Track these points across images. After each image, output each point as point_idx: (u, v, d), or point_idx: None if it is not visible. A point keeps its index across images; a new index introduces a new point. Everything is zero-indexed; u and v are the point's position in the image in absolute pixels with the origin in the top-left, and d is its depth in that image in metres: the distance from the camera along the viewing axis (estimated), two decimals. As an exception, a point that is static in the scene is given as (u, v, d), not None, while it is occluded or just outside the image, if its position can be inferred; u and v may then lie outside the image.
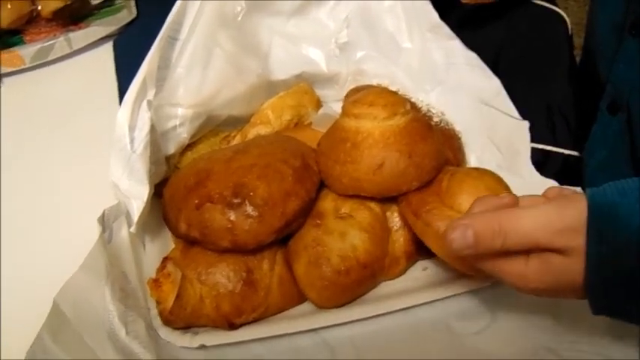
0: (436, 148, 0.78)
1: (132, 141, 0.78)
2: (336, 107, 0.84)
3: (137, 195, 0.77)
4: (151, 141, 0.79)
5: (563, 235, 0.55)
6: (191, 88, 0.86)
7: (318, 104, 0.94)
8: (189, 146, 0.88)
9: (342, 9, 0.99)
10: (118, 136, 0.78)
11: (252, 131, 0.87)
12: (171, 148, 0.85)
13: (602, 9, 0.96)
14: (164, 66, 0.84)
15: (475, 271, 0.66)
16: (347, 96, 0.81)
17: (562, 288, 0.58)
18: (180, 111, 0.85)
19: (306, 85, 0.95)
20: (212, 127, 0.91)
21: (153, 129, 0.79)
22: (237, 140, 0.87)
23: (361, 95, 0.79)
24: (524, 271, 0.58)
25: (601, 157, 0.94)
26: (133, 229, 0.77)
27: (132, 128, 0.78)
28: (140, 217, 0.77)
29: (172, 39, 0.85)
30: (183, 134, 0.85)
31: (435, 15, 0.95)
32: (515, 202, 0.63)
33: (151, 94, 0.80)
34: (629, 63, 0.88)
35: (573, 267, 0.56)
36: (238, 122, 0.93)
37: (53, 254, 0.81)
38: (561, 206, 0.57)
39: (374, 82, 0.97)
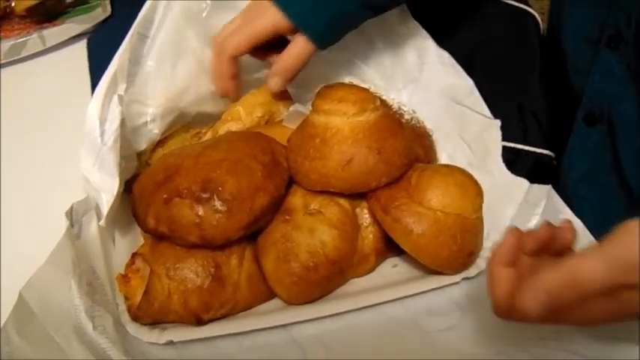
0: (406, 144, 0.78)
1: (102, 134, 0.78)
2: (307, 105, 0.84)
3: (107, 188, 0.77)
4: (122, 135, 0.78)
5: (634, 273, 0.55)
6: (161, 85, 0.86)
7: (289, 102, 0.94)
8: (160, 142, 0.88)
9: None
10: (89, 128, 0.78)
11: (223, 128, 0.87)
12: (142, 144, 0.85)
13: (569, 22, 0.97)
14: (135, 62, 0.84)
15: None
16: (318, 93, 0.81)
17: (624, 315, 0.59)
18: (150, 108, 0.85)
19: None
20: (183, 123, 0.90)
21: (123, 123, 0.79)
22: (208, 137, 0.87)
23: (331, 91, 0.79)
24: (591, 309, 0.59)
25: (582, 169, 0.94)
26: (102, 222, 0.77)
27: (102, 121, 0.78)
28: (110, 210, 0.76)
29: (143, 36, 0.85)
30: (154, 130, 0.85)
31: (408, 14, 0.95)
32: (550, 233, 0.63)
33: (121, 89, 0.80)
34: (607, 75, 0.89)
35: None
36: (209, 119, 0.93)
37: (23, 248, 0.81)
38: (623, 244, 0.56)
39: (346, 80, 0.97)
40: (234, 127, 0.87)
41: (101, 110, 0.78)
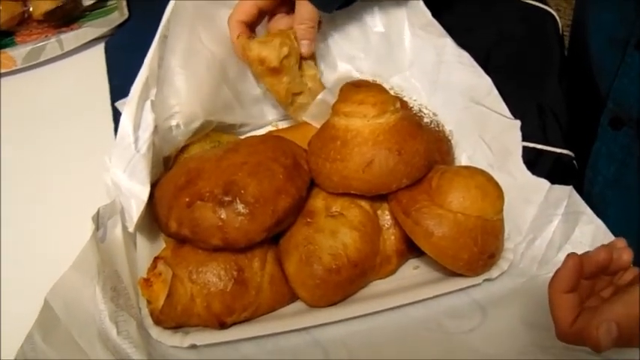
0: (426, 146, 0.78)
1: (136, 140, 0.77)
2: (333, 98, 0.84)
3: (137, 195, 0.77)
4: (153, 142, 0.79)
5: None
6: (185, 92, 0.86)
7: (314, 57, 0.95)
8: (181, 149, 0.88)
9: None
10: (122, 134, 0.78)
11: (281, 38, 0.87)
12: (167, 150, 0.85)
13: (595, 23, 0.96)
14: (160, 66, 0.84)
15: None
16: (342, 89, 0.81)
17: None
18: (175, 114, 0.85)
19: None
20: (205, 132, 0.90)
21: (155, 130, 0.79)
22: (260, 38, 0.88)
23: (351, 94, 0.79)
24: None
25: (609, 174, 0.94)
26: (132, 228, 0.77)
27: (136, 127, 0.78)
28: (139, 216, 0.77)
29: (166, 38, 0.84)
30: (179, 137, 0.85)
31: (427, 13, 0.95)
32: (609, 257, 0.63)
33: (153, 94, 0.80)
34: (636, 78, 0.88)
35: None
36: (230, 128, 0.94)
37: (47, 254, 0.81)
38: None
39: (369, 79, 0.97)
40: (289, 43, 0.88)
41: (135, 116, 0.78)
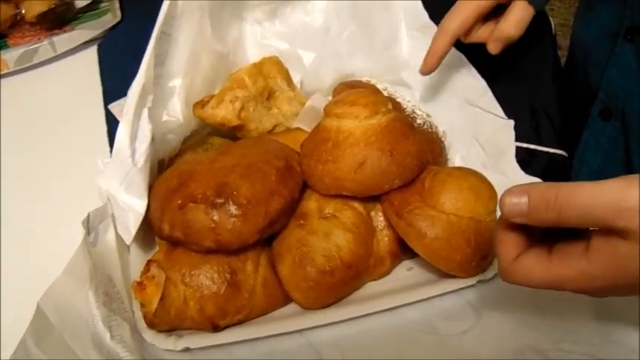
0: (418, 147, 0.78)
1: (133, 153, 0.76)
2: (323, 102, 0.84)
3: (135, 208, 0.76)
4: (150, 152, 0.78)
5: (626, 215, 0.50)
6: (184, 97, 0.86)
7: (288, 76, 0.94)
8: (176, 155, 0.88)
9: (332, 6, 0.99)
10: (118, 148, 0.77)
11: (230, 94, 0.86)
12: (161, 154, 0.84)
13: (593, 16, 0.96)
14: (158, 63, 0.83)
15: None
16: (335, 90, 0.81)
17: (631, 281, 0.52)
18: (171, 119, 0.85)
19: (275, 57, 0.95)
20: (200, 136, 0.91)
21: (153, 140, 0.78)
22: (211, 104, 0.86)
23: (343, 95, 0.80)
24: (587, 268, 0.53)
25: (595, 164, 0.94)
26: (129, 241, 0.77)
27: (132, 140, 0.77)
28: (137, 229, 0.76)
29: (165, 34, 0.83)
30: (173, 143, 0.85)
31: (424, 15, 0.95)
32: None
33: (149, 100, 0.79)
34: (624, 68, 0.89)
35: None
36: (225, 133, 0.93)
37: (40, 258, 0.81)
38: (626, 185, 0.51)
39: (364, 80, 0.97)
40: (240, 93, 0.86)
41: (131, 128, 0.77)
